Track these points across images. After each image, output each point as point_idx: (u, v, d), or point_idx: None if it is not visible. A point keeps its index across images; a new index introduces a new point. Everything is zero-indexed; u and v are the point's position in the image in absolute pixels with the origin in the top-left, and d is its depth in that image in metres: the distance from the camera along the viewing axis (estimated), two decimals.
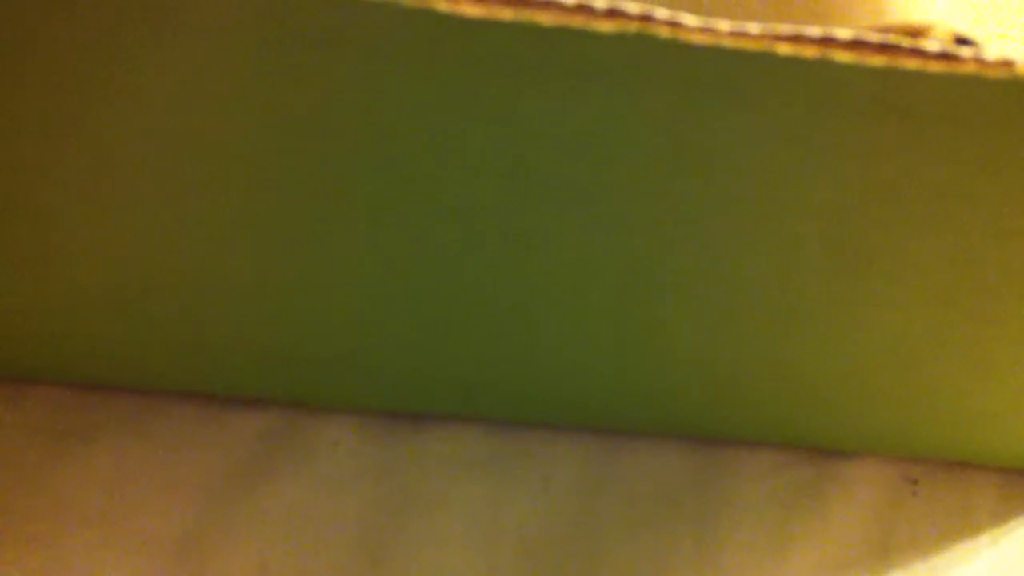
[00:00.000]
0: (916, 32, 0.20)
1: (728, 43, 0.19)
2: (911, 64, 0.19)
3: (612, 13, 0.19)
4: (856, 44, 0.19)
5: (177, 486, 0.31)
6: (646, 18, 0.19)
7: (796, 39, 0.19)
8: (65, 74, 0.21)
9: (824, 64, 0.19)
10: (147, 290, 0.28)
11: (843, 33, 0.19)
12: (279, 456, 0.32)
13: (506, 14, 0.19)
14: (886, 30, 0.20)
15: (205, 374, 0.31)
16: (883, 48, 0.19)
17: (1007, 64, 0.20)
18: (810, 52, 0.19)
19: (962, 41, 0.20)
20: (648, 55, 0.19)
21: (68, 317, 0.29)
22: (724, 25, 0.19)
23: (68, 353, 0.31)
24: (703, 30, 0.19)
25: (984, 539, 0.32)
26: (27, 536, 0.30)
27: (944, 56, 0.19)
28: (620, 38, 0.19)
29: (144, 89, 0.22)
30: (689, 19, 0.19)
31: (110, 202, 0.25)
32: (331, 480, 0.31)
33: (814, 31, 0.19)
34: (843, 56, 0.19)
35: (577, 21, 0.19)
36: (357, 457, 0.32)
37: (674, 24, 0.19)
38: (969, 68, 0.20)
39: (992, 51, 0.20)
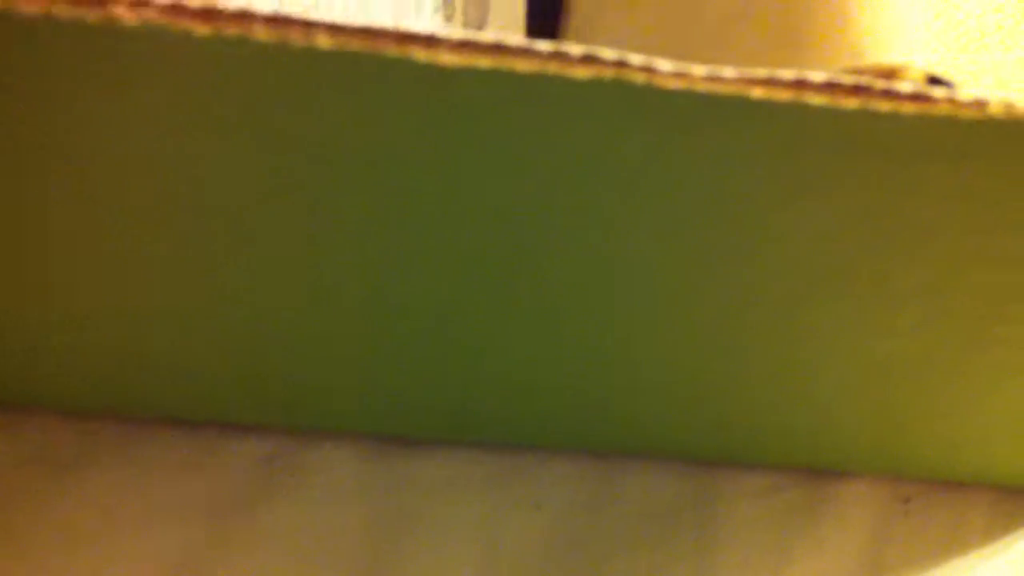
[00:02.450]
0: (890, 73, 0.21)
1: (702, 87, 0.19)
2: (884, 106, 0.20)
3: (587, 59, 0.19)
4: (829, 87, 0.19)
5: (174, 511, 0.31)
6: (621, 64, 0.19)
7: (769, 82, 0.19)
8: (55, 99, 0.22)
9: (798, 106, 0.20)
10: (142, 318, 0.28)
11: (816, 76, 0.20)
12: (275, 480, 0.32)
13: (484, 62, 0.19)
14: (861, 72, 0.20)
15: (201, 401, 0.31)
16: (856, 90, 0.19)
17: (980, 104, 0.20)
18: (783, 95, 0.19)
19: (935, 81, 0.21)
20: (624, 100, 0.20)
21: (64, 346, 0.30)
22: (698, 70, 0.19)
23: (64, 381, 0.31)
24: (677, 75, 0.19)
25: (975, 557, 0.33)
26: (23, 563, 0.30)
27: (917, 97, 0.20)
28: (596, 84, 0.19)
29: (138, 129, 0.22)
30: (663, 64, 0.19)
31: (105, 232, 0.25)
32: (326, 503, 0.32)
33: (787, 75, 0.19)
34: (816, 99, 0.19)
35: (553, 68, 0.19)
36: (352, 480, 0.32)
37: (649, 70, 0.19)
38: (942, 109, 0.20)
39: (965, 91, 0.20)
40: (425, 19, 0.27)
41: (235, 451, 0.32)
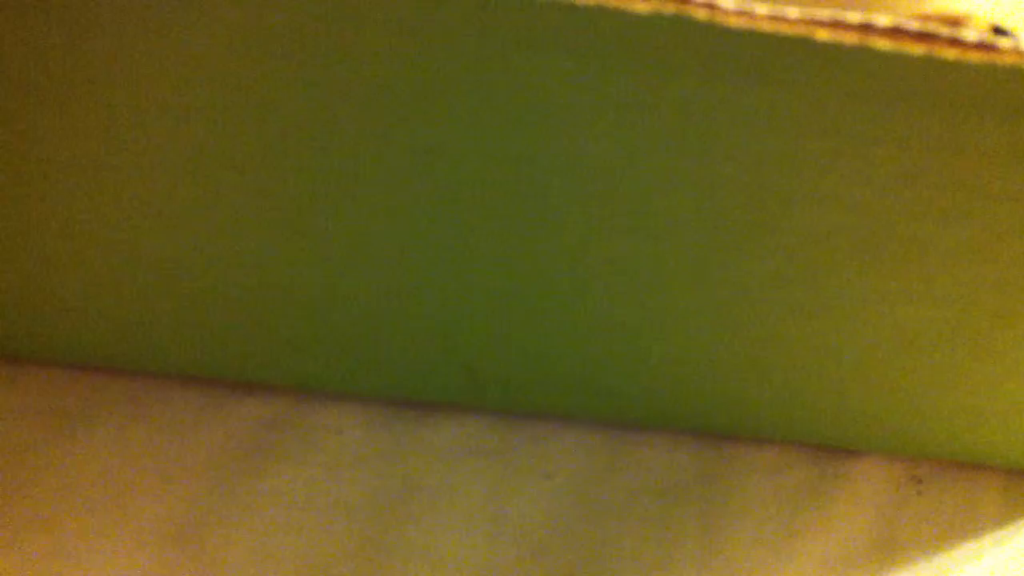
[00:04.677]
0: (954, 21, 0.20)
1: (765, 27, 0.19)
2: (950, 54, 0.19)
3: None
4: (895, 32, 0.19)
5: (178, 470, 0.31)
6: (683, 0, 0.19)
7: (835, 25, 0.19)
8: (77, 59, 0.21)
9: (863, 51, 0.19)
10: (151, 271, 0.28)
11: (882, 20, 0.19)
12: (282, 442, 0.32)
13: None
14: (925, 19, 0.20)
15: (208, 358, 0.31)
16: (922, 37, 0.19)
17: None
18: (849, 38, 0.19)
19: (1000, 31, 0.20)
20: (684, 37, 0.19)
21: (70, 295, 0.29)
22: (762, 9, 0.19)
23: (69, 332, 0.31)
24: (740, 13, 0.19)
25: (988, 539, 0.32)
26: (26, 519, 0.30)
27: (983, 46, 0.19)
28: (656, 18, 0.19)
29: (154, 76, 0.22)
30: (726, 2, 0.19)
31: (116, 181, 0.25)
32: (334, 467, 0.31)
33: (853, 17, 0.19)
34: (882, 44, 0.19)
35: (614, 0, 0.19)
36: (361, 444, 0.32)
37: (711, 6, 0.19)
38: (1008, 59, 0.19)
39: None
40: None
41: (242, 411, 0.32)
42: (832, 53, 0.19)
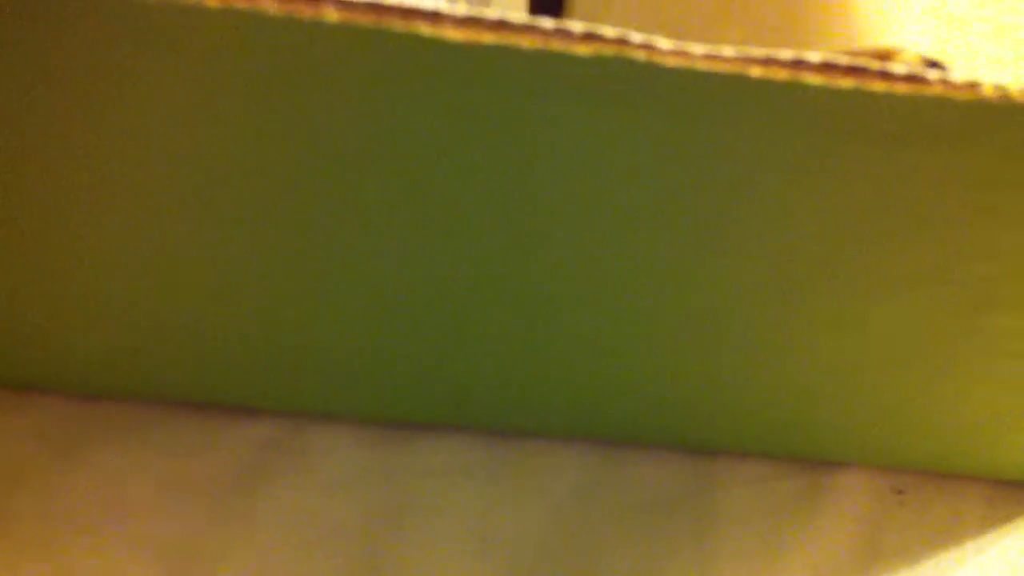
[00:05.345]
0: (885, 55, 0.21)
1: (702, 66, 0.20)
2: (879, 86, 0.20)
3: (589, 37, 0.20)
4: (826, 67, 0.20)
5: (177, 492, 0.31)
6: (622, 41, 0.20)
7: (768, 62, 0.20)
8: (76, 83, 0.22)
9: (795, 86, 0.20)
10: (150, 301, 0.29)
11: (813, 56, 0.20)
12: (277, 463, 0.32)
13: (488, 38, 0.19)
14: (857, 54, 0.21)
15: (205, 384, 0.32)
16: (852, 71, 0.20)
17: (973, 86, 0.20)
18: (781, 75, 0.20)
19: (931, 64, 0.21)
20: (625, 77, 0.20)
21: (73, 327, 0.30)
22: (698, 48, 0.20)
23: (72, 362, 0.31)
24: (677, 53, 0.20)
25: (970, 548, 0.33)
26: (28, 541, 0.30)
27: (911, 79, 0.20)
28: (597, 60, 0.20)
29: (150, 101, 0.22)
30: (664, 42, 0.20)
31: (114, 211, 0.25)
32: (328, 487, 0.32)
33: (785, 54, 0.20)
34: (813, 79, 0.20)
35: (556, 44, 0.20)
36: (354, 464, 0.32)
37: (649, 47, 0.20)
38: (936, 90, 0.20)
39: (959, 73, 0.20)
40: None
41: (237, 434, 0.32)
42: (766, 88, 0.20)
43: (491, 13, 0.19)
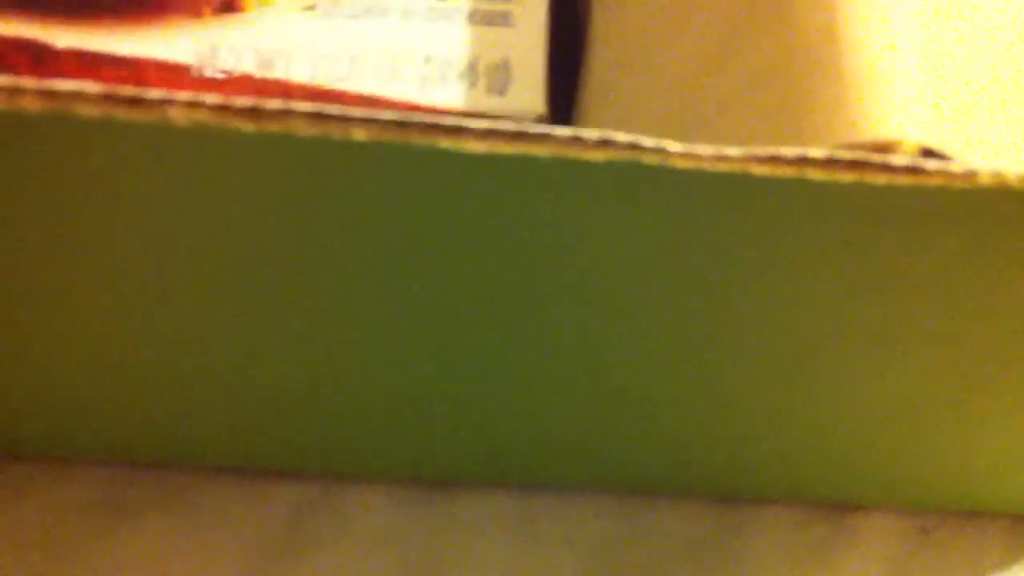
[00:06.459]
0: (886, 148, 0.22)
1: (709, 167, 0.21)
2: (880, 179, 0.21)
3: (603, 143, 0.21)
4: (828, 162, 0.21)
5: (217, 557, 0.32)
6: (634, 147, 0.21)
7: (772, 160, 0.21)
8: (62, 185, 0.22)
9: (799, 182, 0.21)
10: (187, 375, 0.29)
11: (816, 153, 0.21)
12: (314, 524, 0.33)
13: (506, 148, 0.20)
14: (858, 147, 0.22)
15: (239, 451, 0.32)
16: (854, 165, 0.21)
17: (971, 175, 0.21)
18: (786, 172, 0.21)
19: (930, 154, 0.22)
20: (636, 178, 0.21)
21: (113, 399, 0.30)
22: (706, 150, 0.21)
23: (113, 433, 0.32)
24: (686, 155, 0.21)
25: None
26: None
27: (911, 169, 0.21)
28: (611, 166, 0.21)
29: (179, 212, 0.23)
30: (673, 146, 0.21)
31: (143, 291, 0.26)
32: (365, 545, 0.32)
33: (789, 152, 0.21)
34: (816, 174, 0.21)
35: (571, 152, 0.21)
36: (389, 522, 0.33)
37: (661, 151, 0.21)
38: (935, 180, 0.21)
39: (958, 162, 0.21)
40: (450, 86, 0.29)
41: (274, 497, 0.33)
42: (770, 184, 0.21)
43: (508, 125, 0.20)
